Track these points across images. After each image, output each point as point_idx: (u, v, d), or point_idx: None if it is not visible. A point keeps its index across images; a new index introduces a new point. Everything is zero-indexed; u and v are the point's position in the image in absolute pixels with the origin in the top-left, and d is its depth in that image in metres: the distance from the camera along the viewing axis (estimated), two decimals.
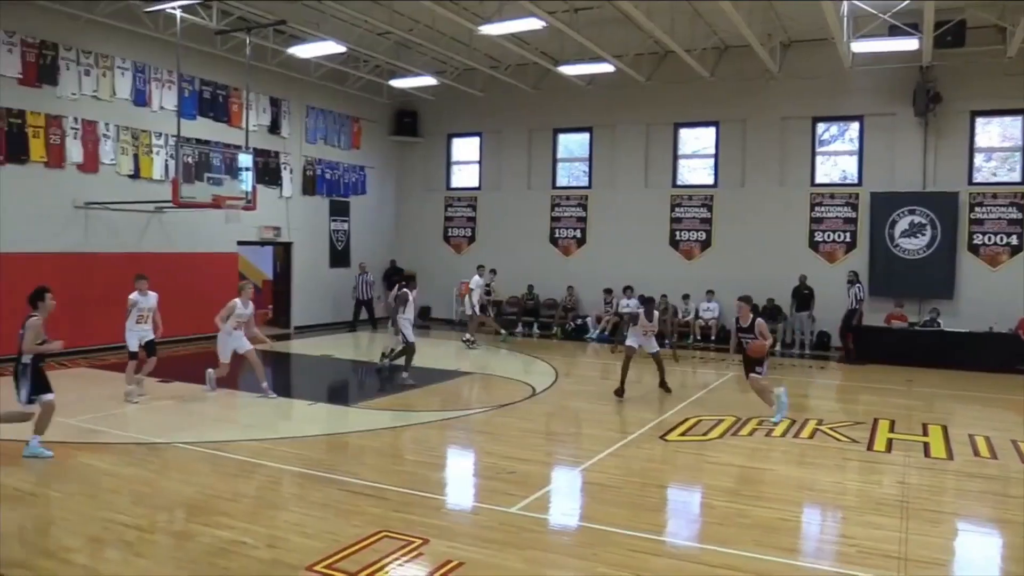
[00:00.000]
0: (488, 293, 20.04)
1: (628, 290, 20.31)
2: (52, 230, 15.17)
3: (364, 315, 21.04)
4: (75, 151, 15.57)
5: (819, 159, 19.61)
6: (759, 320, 10.76)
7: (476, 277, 18.74)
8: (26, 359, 8.24)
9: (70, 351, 14.62)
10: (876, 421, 10.84)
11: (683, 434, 10.01)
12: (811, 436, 9.98)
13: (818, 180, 19.47)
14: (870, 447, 9.53)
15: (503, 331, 19.36)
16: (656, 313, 12.87)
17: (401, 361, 13.62)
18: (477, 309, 18.56)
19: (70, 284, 14.61)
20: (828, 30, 14.81)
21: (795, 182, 19.42)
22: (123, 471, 8.07)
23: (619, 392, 12.20)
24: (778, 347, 18.43)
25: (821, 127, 19.56)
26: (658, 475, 8.38)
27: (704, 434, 9.99)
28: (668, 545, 6.32)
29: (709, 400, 12.53)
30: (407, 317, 13.57)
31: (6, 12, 14.27)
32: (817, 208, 19.21)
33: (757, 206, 19.62)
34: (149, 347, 11.52)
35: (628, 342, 12.50)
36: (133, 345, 11.43)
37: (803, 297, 18.29)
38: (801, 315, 18.39)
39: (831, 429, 10.32)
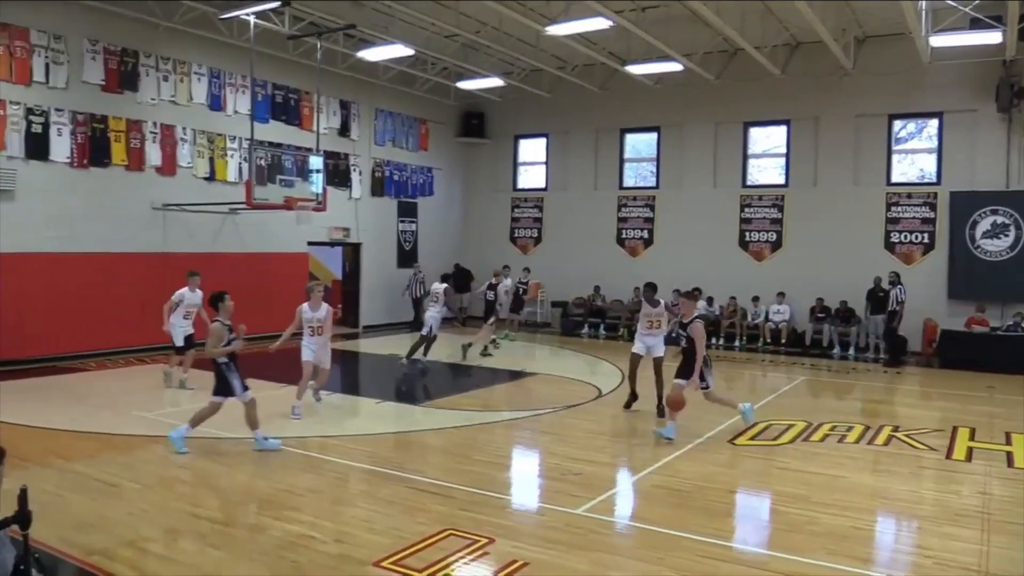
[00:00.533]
0: (525, 292, 20.00)
1: (696, 291, 20.04)
2: (132, 231, 15.72)
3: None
4: (154, 154, 16.10)
5: (895, 157, 19.02)
6: (698, 322, 9.79)
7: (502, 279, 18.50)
8: (221, 359, 8.64)
9: (148, 347, 15.17)
10: (955, 429, 10.46)
11: (752, 438, 9.82)
12: (886, 443, 9.69)
13: (894, 179, 18.88)
14: (949, 455, 9.20)
15: (496, 337, 18.16)
16: (661, 301, 11.20)
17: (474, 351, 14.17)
18: (505, 310, 18.32)
19: (148, 283, 15.14)
20: (905, 24, 14.37)
21: (870, 181, 18.88)
22: (198, 464, 8.31)
23: (629, 404, 11.29)
24: (851, 351, 17.97)
25: (898, 124, 18.97)
26: (727, 480, 8.23)
27: (774, 439, 9.79)
28: (736, 551, 6.21)
29: (779, 404, 12.27)
30: (438, 310, 14.71)
31: (90, 21, 14.84)
32: (893, 208, 18.64)
33: (830, 206, 19.13)
34: (188, 341, 12.19)
35: (634, 348, 11.27)
36: (180, 340, 12.13)
37: (878, 300, 17.71)
38: (876, 318, 17.80)
39: (907, 436, 10.00)
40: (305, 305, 10.67)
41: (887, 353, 17.30)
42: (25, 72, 14.02)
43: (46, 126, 14.35)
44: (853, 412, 12.20)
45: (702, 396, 10.02)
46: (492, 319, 17.43)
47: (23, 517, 3.49)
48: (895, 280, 16.88)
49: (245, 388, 8.73)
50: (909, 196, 18.52)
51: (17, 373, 13.27)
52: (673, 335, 10.31)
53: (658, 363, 11.10)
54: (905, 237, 18.52)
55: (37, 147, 14.25)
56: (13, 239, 13.85)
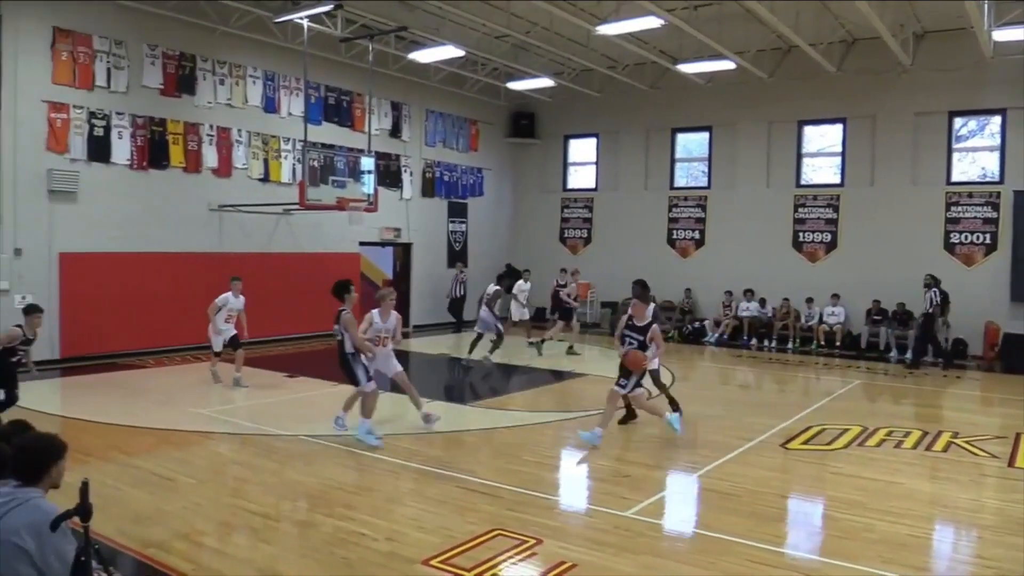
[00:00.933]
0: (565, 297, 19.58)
1: (749, 293, 19.83)
2: (189, 231, 16.07)
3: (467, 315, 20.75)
4: (211, 156, 16.44)
5: (956, 156, 18.48)
6: (655, 326, 9.23)
7: (520, 282, 18.17)
8: (350, 349, 9.03)
9: (204, 345, 15.48)
10: (1019, 435, 10.13)
11: (805, 443, 9.66)
12: (945, 449, 9.44)
13: (954, 178, 18.35)
14: (1011, 463, 8.92)
15: (530, 340, 17.59)
16: (652, 304, 9.82)
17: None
18: (525, 314, 18.03)
19: (206, 282, 15.41)
20: (967, 19, 14.00)
21: (929, 180, 18.38)
22: (251, 461, 8.45)
23: (625, 420, 10.27)
24: (909, 354, 17.53)
25: (958, 122, 18.43)
26: (778, 484, 8.11)
27: (828, 443, 9.61)
28: (788, 557, 6.10)
29: (833, 408, 12.04)
30: (485, 312, 15.28)
31: (149, 26, 15.21)
32: (953, 208, 18.12)
33: (887, 206, 18.69)
34: (234, 342, 12.52)
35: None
36: (219, 346, 12.50)
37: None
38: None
39: (967, 443, 9.73)
40: (376, 313, 9.69)
41: (910, 354, 17.09)
42: (88, 77, 14.44)
43: (107, 129, 14.75)
44: (910, 417, 11.91)
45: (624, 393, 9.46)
46: (574, 319, 17.76)
47: (84, 510, 3.59)
48: (931, 283, 16.52)
49: (369, 379, 9.09)
50: (970, 196, 17.99)
51: (79, 369, 13.68)
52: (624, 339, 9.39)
53: (653, 375, 10.24)
54: (966, 238, 17.99)
55: (99, 150, 14.65)
56: (76, 239, 14.29)
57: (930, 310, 16.38)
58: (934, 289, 16.40)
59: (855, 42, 18.34)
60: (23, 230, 13.68)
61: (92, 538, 3.66)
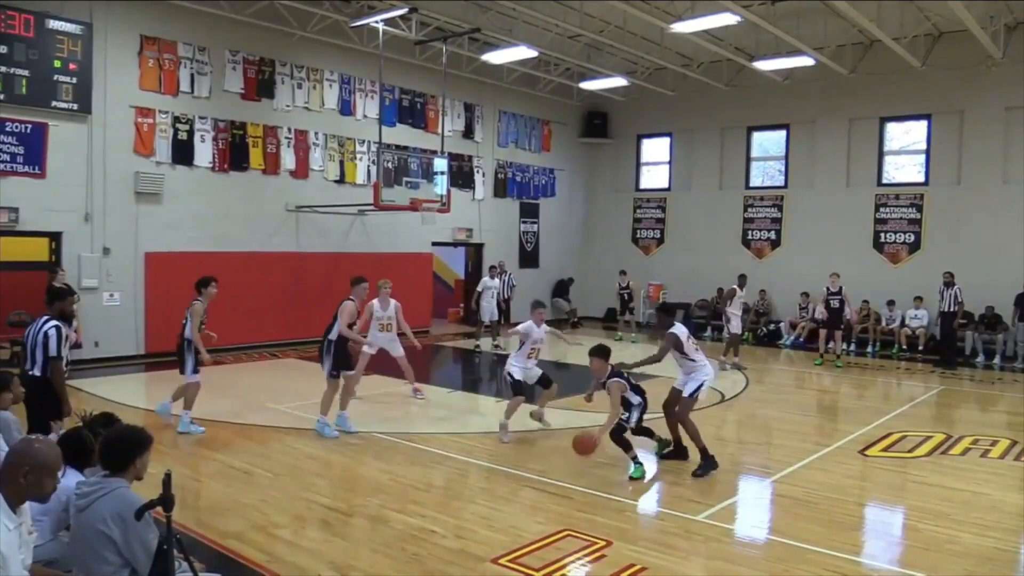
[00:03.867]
0: (630, 298, 19.85)
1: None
2: (267, 231, 16.50)
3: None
4: (288, 158, 16.84)
5: None
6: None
7: (486, 279, 17.91)
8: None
9: (281, 342, 15.87)
10: None
11: (885, 449, 9.36)
12: None
13: None
14: None
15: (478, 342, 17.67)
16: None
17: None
18: (485, 317, 17.55)
19: (283, 281, 15.86)
20: None
21: (1021, 178, 17.60)
22: (325, 456, 8.62)
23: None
24: (997, 360, 16.83)
25: None
26: (856, 491, 7.88)
27: (909, 451, 9.29)
28: (866, 567, 5.91)
29: (915, 414, 11.63)
30: (734, 311, 15.65)
31: (231, 33, 15.66)
32: None
33: (975, 205, 17.96)
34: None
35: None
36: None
37: None
38: None
39: None
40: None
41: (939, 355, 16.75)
42: (173, 83, 14.96)
43: (191, 133, 15.25)
44: (999, 425, 11.40)
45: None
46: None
47: (167, 500, 3.71)
48: (950, 280, 16.16)
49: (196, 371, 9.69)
50: None
51: (162, 365, 14.14)
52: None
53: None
54: None
55: (183, 153, 15.16)
56: (160, 239, 14.82)
57: (951, 309, 16.23)
58: (956, 287, 16.18)
59: (941, 35, 17.68)
60: (111, 230, 14.25)
61: (173, 528, 3.78)
